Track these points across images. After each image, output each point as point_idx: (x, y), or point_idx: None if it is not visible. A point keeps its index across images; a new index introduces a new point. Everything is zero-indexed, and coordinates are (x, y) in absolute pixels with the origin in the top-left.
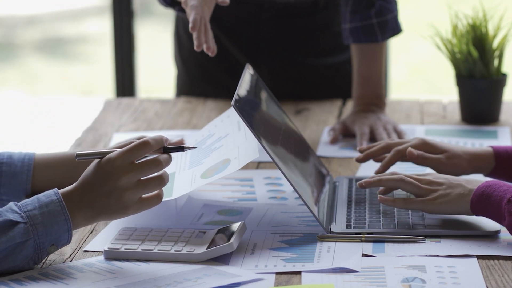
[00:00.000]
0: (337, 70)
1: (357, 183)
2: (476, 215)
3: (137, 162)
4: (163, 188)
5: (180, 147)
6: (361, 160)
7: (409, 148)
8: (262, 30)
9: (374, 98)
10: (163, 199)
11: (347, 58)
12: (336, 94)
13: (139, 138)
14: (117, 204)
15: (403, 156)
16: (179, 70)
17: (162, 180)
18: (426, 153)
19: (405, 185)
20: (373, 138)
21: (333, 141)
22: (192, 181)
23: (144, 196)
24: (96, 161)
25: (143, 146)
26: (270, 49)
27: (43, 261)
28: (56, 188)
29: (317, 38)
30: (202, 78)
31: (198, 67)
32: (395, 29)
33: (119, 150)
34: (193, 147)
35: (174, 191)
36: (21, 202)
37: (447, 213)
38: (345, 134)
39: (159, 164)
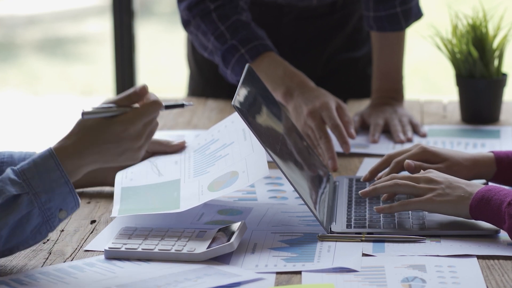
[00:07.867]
0: (353, 66)
1: (359, 192)
2: (475, 219)
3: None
4: (168, 198)
5: (180, 104)
6: (368, 179)
7: (407, 160)
8: (282, 32)
9: (392, 91)
10: (170, 211)
11: (363, 55)
12: (354, 90)
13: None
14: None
15: (403, 167)
16: (192, 71)
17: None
18: (425, 163)
19: (400, 188)
20: (387, 130)
21: None
22: (199, 192)
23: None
24: (102, 120)
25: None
26: (290, 50)
27: (45, 258)
28: (51, 148)
29: (335, 36)
30: (216, 80)
31: (212, 69)
32: (417, 15)
33: (130, 115)
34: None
35: (181, 202)
36: (18, 167)
37: (446, 213)
38: (362, 127)
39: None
